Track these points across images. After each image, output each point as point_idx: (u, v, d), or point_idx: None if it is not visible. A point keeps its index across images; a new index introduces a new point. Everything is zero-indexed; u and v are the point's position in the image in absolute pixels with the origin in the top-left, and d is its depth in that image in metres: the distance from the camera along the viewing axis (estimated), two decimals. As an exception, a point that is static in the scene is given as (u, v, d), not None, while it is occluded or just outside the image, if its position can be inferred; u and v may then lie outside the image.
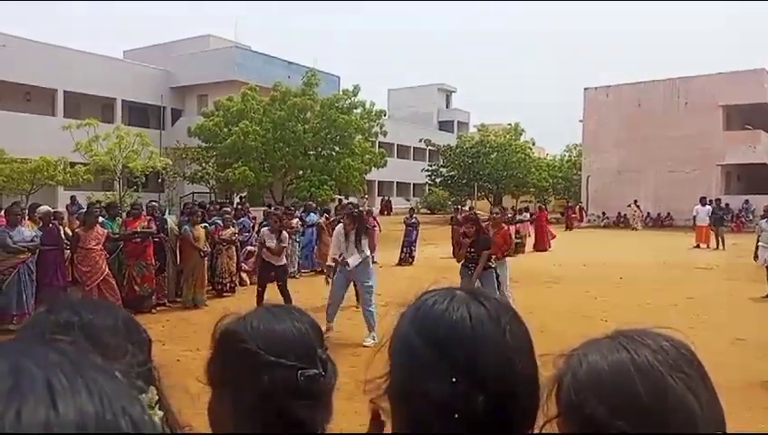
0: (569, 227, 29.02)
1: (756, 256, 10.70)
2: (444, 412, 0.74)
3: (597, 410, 0.75)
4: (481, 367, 0.75)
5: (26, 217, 8.81)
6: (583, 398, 0.76)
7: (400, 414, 0.80)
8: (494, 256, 7.94)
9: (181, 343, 7.17)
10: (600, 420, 0.74)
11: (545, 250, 18.59)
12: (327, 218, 14.26)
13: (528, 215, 21.49)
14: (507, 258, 8.82)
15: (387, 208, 38.10)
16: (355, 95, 25.08)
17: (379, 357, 0.93)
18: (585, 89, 34.26)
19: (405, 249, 15.49)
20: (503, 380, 0.76)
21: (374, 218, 15.96)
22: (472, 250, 7.72)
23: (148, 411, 0.37)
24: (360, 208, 9.78)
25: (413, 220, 15.98)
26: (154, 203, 10.63)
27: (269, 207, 16.86)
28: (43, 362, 0.35)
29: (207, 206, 13.69)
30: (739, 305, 9.47)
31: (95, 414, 0.33)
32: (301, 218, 13.73)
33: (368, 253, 7.58)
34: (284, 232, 9.01)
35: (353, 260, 7.32)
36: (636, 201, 29.71)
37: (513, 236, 17.78)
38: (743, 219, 26.50)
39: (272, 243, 8.55)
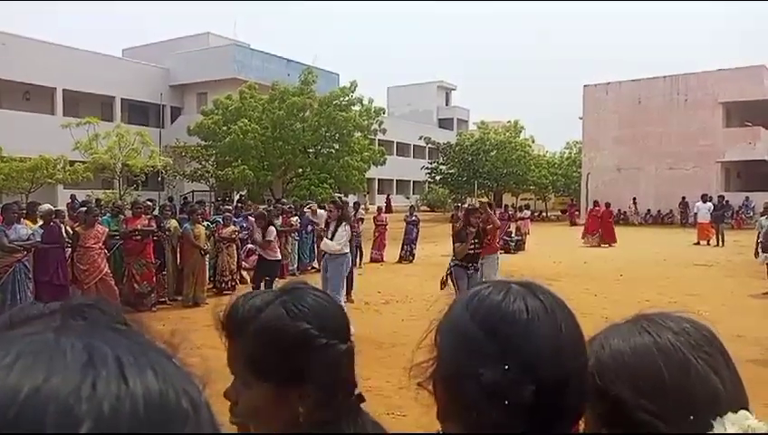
0: (573, 224, 29.42)
1: (757, 253, 10.68)
2: (494, 398, 0.73)
3: (622, 391, 0.76)
4: (534, 357, 0.74)
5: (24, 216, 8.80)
6: (608, 381, 0.78)
7: (449, 398, 0.79)
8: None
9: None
10: (625, 401, 0.76)
11: (612, 245, 19.06)
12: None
13: (528, 212, 21.51)
14: (499, 253, 8.93)
15: (387, 206, 37.99)
16: (352, 91, 25.02)
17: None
18: (585, 86, 34.18)
19: (405, 247, 15.48)
20: (555, 372, 0.75)
21: (363, 210, 15.87)
22: (476, 243, 7.66)
23: (203, 394, 0.39)
24: (345, 200, 9.90)
25: (413, 218, 15.97)
26: (149, 202, 10.62)
27: (223, 202, 16.71)
28: (112, 343, 0.38)
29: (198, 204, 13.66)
30: (739, 302, 9.46)
31: (159, 391, 0.36)
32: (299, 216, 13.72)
33: (345, 249, 7.75)
34: (271, 227, 9.09)
35: (329, 245, 7.65)
36: (634, 199, 30.08)
37: (514, 233, 17.97)
38: (743, 216, 26.51)
39: (258, 236, 8.78)
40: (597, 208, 20.36)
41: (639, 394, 0.76)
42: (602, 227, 19.79)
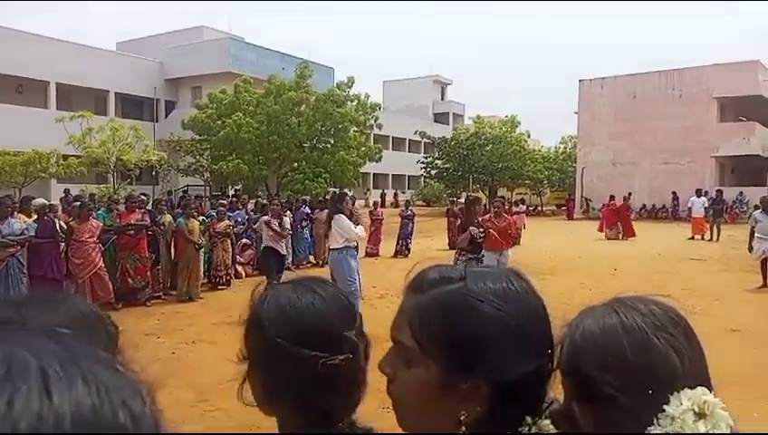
0: (570, 218, 29.68)
1: (751, 248, 10.69)
2: (545, 384, 0.83)
3: (590, 368, 0.83)
4: (550, 342, 0.85)
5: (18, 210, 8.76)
6: (579, 359, 0.85)
7: (495, 393, 0.80)
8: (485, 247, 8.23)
9: (176, 335, 7.15)
10: (592, 377, 0.82)
11: (632, 238, 19.69)
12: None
13: (524, 207, 21.63)
14: (510, 249, 9.13)
15: (392, 202, 37.49)
16: (350, 87, 24.97)
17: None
18: (580, 80, 34.20)
19: (401, 242, 15.50)
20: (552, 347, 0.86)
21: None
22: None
23: (151, 405, 0.35)
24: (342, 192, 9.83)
25: (409, 213, 15.98)
26: (143, 196, 10.55)
27: (220, 196, 16.61)
28: (38, 351, 0.33)
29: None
30: (734, 296, 9.51)
31: (91, 405, 0.32)
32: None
33: (336, 244, 7.39)
34: (286, 218, 9.07)
35: (332, 243, 7.50)
36: (629, 193, 30.21)
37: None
38: (737, 211, 26.63)
39: (276, 226, 8.69)
40: (613, 202, 21.02)
41: (604, 370, 0.82)
42: (620, 220, 20.38)
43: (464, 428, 0.79)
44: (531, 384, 0.79)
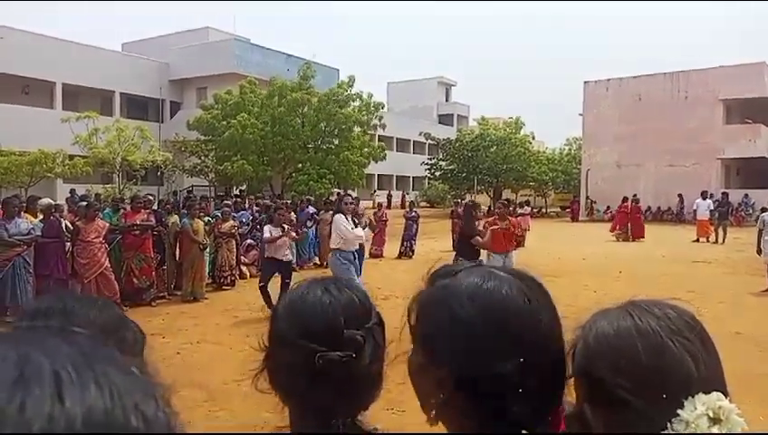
0: (574, 220, 29.66)
1: (759, 250, 10.58)
2: (511, 390, 0.78)
3: (603, 371, 0.82)
4: (537, 346, 0.81)
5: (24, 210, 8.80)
6: (592, 361, 0.84)
7: (462, 398, 0.80)
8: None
9: (181, 336, 7.17)
10: (605, 379, 0.82)
11: (642, 238, 20.03)
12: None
13: (528, 208, 21.64)
14: (514, 251, 9.23)
15: (399, 203, 37.66)
16: (350, 86, 24.97)
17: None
18: (585, 82, 34.10)
19: (405, 243, 15.49)
20: (551, 355, 0.83)
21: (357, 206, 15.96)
22: None
23: (164, 408, 0.35)
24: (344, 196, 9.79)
25: (413, 214, 15.97)
26: (150, 197, 10.60)
27: (225, 197, 16.77)
28: (52, 353, 0.33)
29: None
30: (739, 300, 9.46)
31: (104, 409, 0.32)
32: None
33: (334, 244, 7.62)
34: (285, 226, 9.10)
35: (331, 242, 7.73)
36: (635, 195, 30.16)
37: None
38: (742, 213, 26.50)
39: (276, 233, 8.68)
40: (625, 205, 21.20)
41: (617, 373, 0.81)
42: (631, 222, 20.60)
43: (433, 412, 0.82)
44: (497, 386, 0.78)
